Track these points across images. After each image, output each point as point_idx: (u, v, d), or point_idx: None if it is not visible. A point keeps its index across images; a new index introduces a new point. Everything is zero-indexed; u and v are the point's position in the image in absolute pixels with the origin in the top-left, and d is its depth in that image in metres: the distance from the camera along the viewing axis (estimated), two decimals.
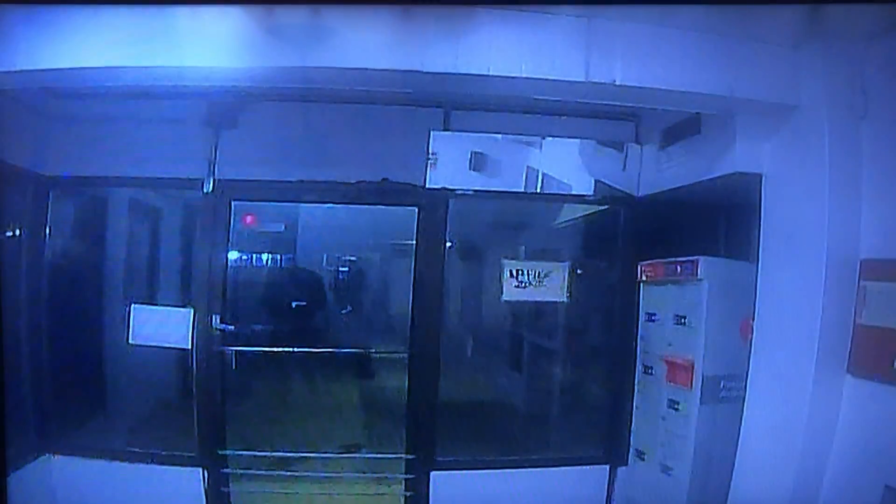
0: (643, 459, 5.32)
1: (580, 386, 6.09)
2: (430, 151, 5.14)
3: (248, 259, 7.57)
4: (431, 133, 5.16)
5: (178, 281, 6.04)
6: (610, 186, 5.45)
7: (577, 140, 5.39)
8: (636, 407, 5.41)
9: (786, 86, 4.15)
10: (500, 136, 5.32)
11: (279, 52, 3.75)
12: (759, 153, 4.46)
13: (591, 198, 5.50)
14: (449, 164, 5.18)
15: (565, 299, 5.46)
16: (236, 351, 5.28)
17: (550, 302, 5.56)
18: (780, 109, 4.23)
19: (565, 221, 5.95)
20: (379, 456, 5.24)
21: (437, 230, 5.22)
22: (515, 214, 6.03)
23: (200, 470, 5.07)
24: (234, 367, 5.32)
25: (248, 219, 6.92)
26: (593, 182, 5.44)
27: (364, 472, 5.38)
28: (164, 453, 5.10)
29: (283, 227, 7.78)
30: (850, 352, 4.07)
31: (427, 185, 5.16)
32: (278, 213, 7.58)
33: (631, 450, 5.42)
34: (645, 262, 5.36)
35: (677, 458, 4.99)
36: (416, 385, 5.27)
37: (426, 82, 4.09)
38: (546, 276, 5.35)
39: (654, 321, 5.30)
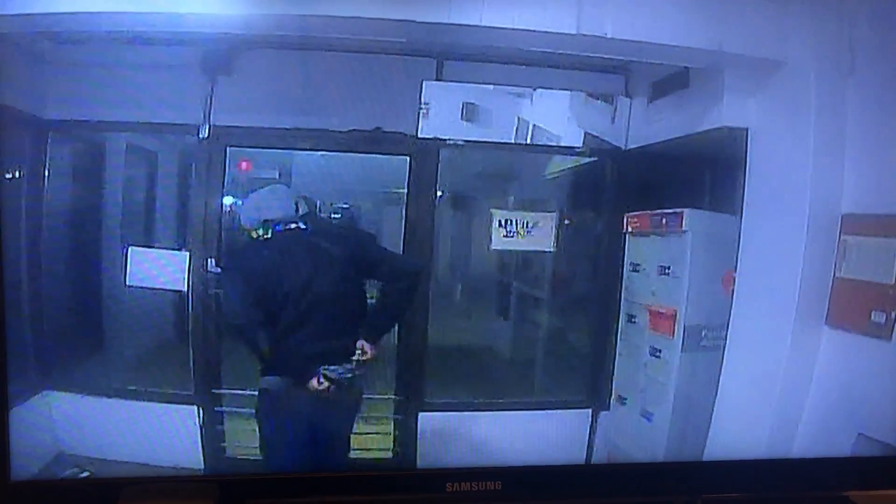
0: (625, 405, 5.44)
1: (565, 333, 6.17)
2: (423, 101, 5.15)
3: (243, 204, 7.58)
4: (424, 83, 5.15)
5: (174, 225, 6.04)
6: (598, 139, 5.47)
7: (567, 92, 5.38)
8: (619, 354, 5.51)
9: (773, 41, 4.17)
10: (491, 86, 5.31)
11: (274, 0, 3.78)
12: (746, 108, 4.50)
13: (580, 150, 5.53)
14: (441, 113, 5.20)
15: (552, 249, 5.48)
16: None
17: (538, 251, 5.61)
18: (768, 65, 4.27)
19: (554, 173, 5.97)
20: (369, 397, 5.33)
21: (428, 179, 5.26)
22: (505, 165, 6.00)
23: (196, 408, 5.16)
24: None
25: (244, 164, 6.94)
26: (582, 134, 5.46)
27: None
28: (160, 391, 5.18)
29: (277, 174, 7.78)
30: (828, 304, 4.16)
31: (419, 135, 5.17)
32: (273, 160, 7.57)
33: (613, 395, 5.52)
34: (631, 214, 5.42)
35: (658, 403, 5.12)
36: (405, 329, 5.36)
37: (419, 32, 4.13)
38: (534, 225, 5.37)
39: (638, 271, 5.39)
